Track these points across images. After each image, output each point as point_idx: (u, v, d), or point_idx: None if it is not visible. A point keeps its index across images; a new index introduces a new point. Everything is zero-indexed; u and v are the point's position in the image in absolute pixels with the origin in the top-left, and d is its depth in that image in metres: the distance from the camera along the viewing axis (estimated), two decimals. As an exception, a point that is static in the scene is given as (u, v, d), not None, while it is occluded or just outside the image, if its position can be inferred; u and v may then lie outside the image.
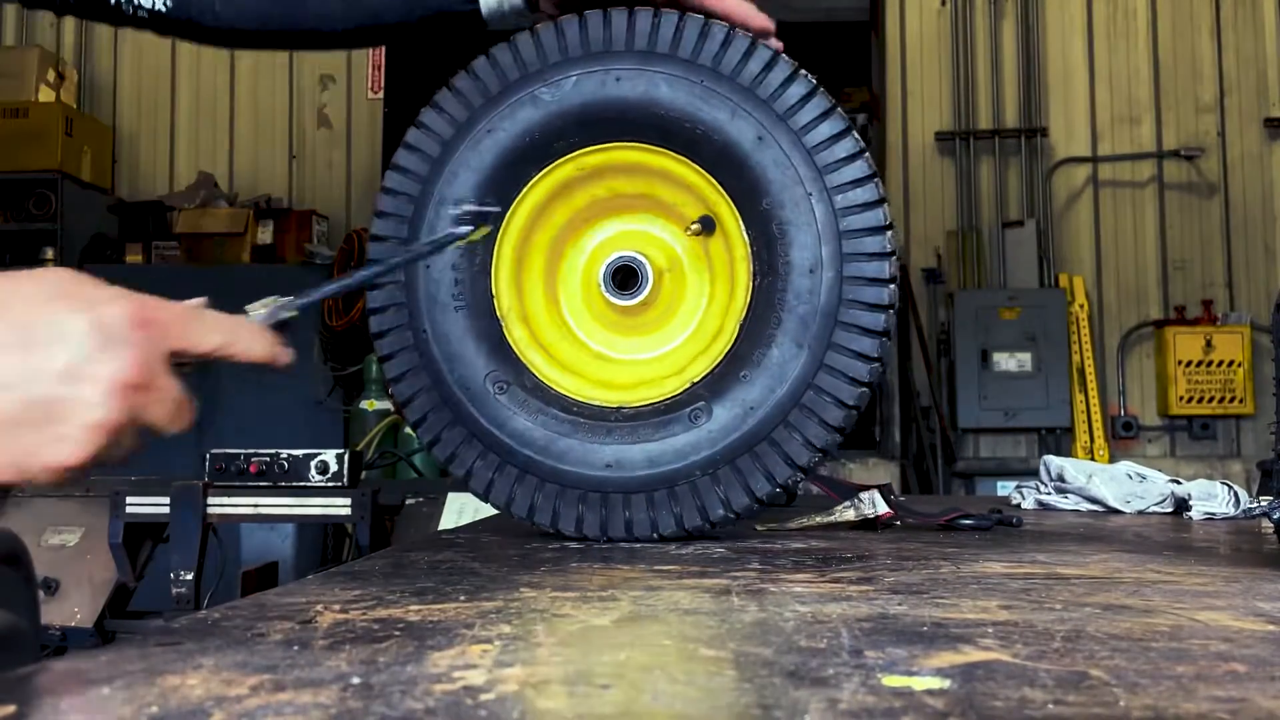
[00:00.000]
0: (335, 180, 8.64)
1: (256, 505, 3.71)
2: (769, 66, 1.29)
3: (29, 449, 0.75)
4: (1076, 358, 7.79)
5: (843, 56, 7.78)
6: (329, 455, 3.72)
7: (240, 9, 1.36)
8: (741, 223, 1.34)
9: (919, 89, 8.37)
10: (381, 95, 8.24)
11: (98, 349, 0.75)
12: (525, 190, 1.37)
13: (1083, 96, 8.24)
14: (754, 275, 1.34)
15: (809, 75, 1.30)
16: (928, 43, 8.39)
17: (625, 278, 1.40)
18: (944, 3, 8.38)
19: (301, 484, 3.73)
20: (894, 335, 1.32)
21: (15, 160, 7.36)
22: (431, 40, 1.42)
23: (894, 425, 7.40)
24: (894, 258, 1.30)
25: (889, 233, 1.29)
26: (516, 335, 1.38)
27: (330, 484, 3.72)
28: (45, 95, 7.78)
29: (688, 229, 1.33)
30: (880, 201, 1.29)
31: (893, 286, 1.29)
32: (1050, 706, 0.53)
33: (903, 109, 8.34)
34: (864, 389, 1.29)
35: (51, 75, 7.86)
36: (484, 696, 0.55)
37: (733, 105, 1.30)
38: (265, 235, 7.96)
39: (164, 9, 1.33)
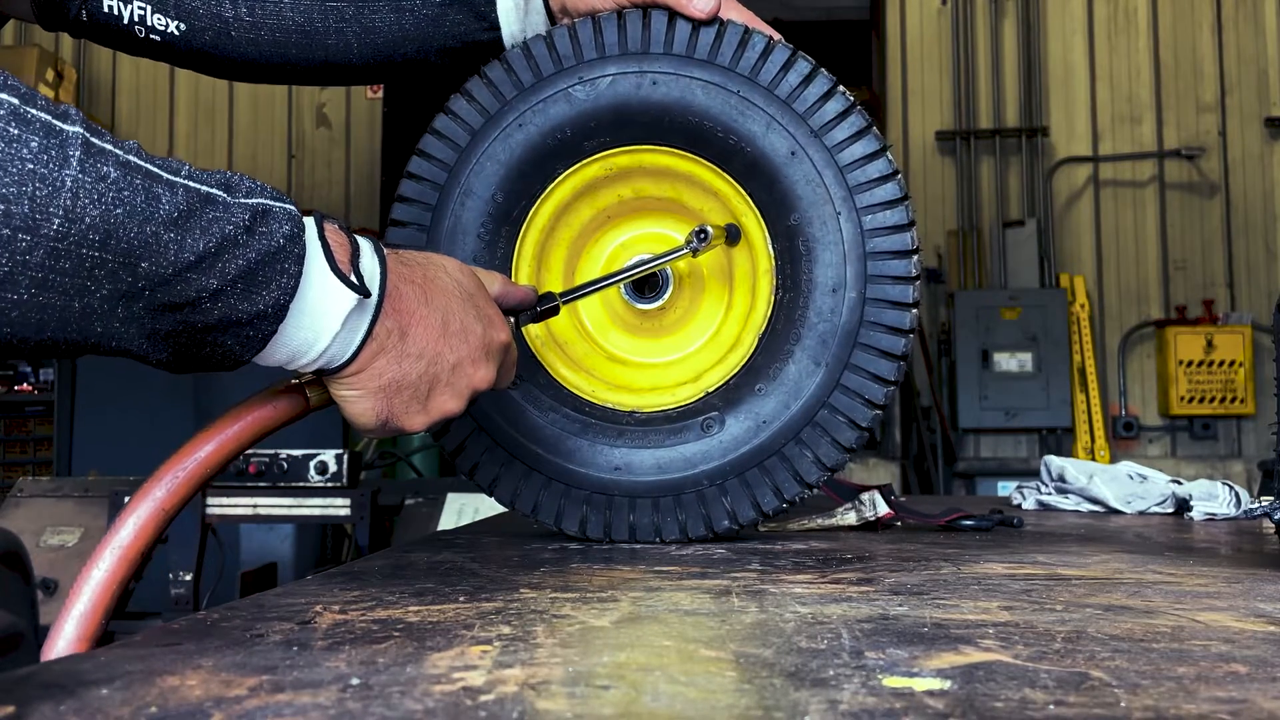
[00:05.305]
0: (334, 179, 8.65)
1: (255, 506, 3.71)
2: (807, 80, 1.28)
3: (398, 410, 0.93)
4: (1077, 358, 7.79)
5: (843, 56, 7.77)
6: (328, 455, 3.72)
7: (255, 41, 1.32)
8: (768, 236, 1.33)
9: (919, 88, 8.37)
10: (380, 95, 8.24)
11: (481, 358, 0.98)
12: (552, 186, 1.36)
13: (1083, 96, 8.24)
14: (776, 289, 1.33)
15: (846, 93, 1.29)
16: (928, 42, 8.39)
17: (645, 282, 1.40)
18: (944, 2, 8.39)
19: (301, 484, 3.73)
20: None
21: (15, 160, 7.35)
22: (449, 74, 1.39)
23: (894, 425, 7.40)
24: (919, 282, 1.29)
25: (915, 257, 1.28)
26: (533, 331, 1.37)
27: (329, 484, 3.72)
28: (44, 95, 7.77)
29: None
30: (909, 225, 1.28)
31: (915, 311, 1.28)
32: (1051, 707, 0.53)
33: (903, 108, 8.35)
34: (878, 411, 1.28)
35: (50, 75, 7.86)
36: (483, 697, 0.55)
37: (768, 118, 1.28)
38: (265, 235, 7.96)
39: (175, 34, 1.29)
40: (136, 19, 1.27)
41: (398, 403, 0.93)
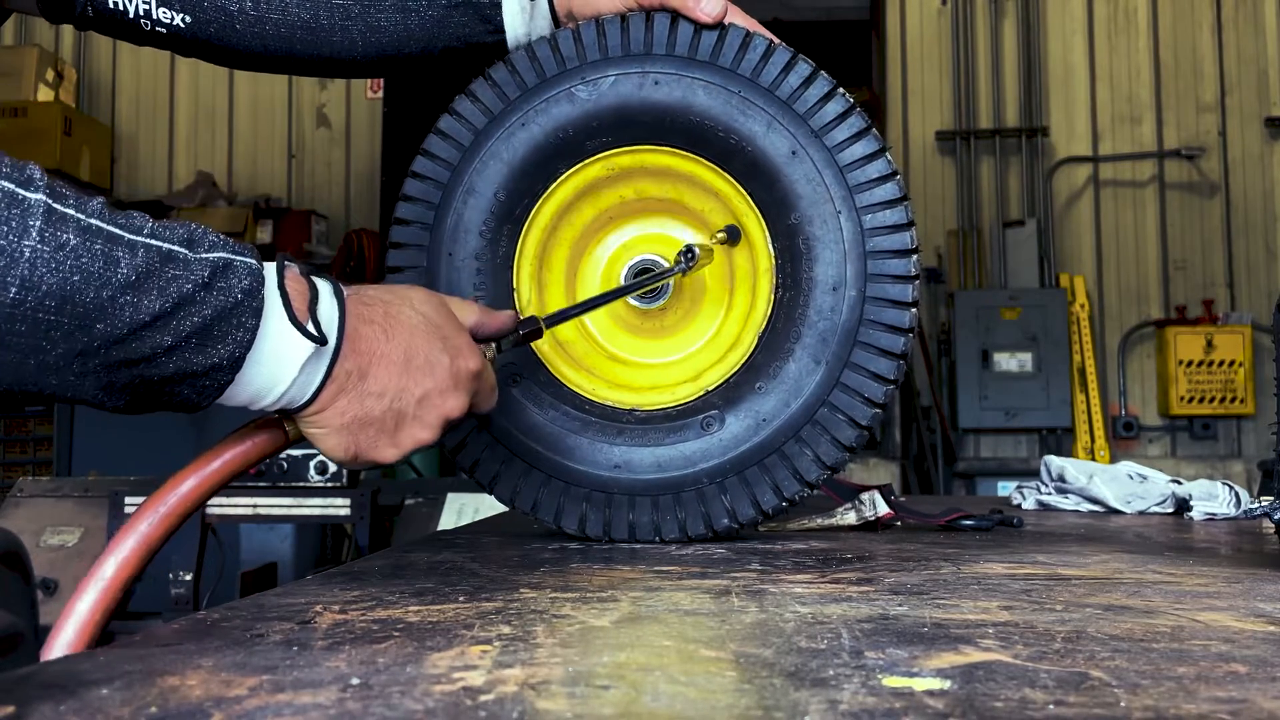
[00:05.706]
0: (334, 180, 8.64)
1: (255, 505, 3.71)
2: (807, 82, 1.29)
3: (366, 444, 0.95)
4: (1077, 358, 7.79)
5: (843, 56, 7.77)
6: (329, 455, 3.72)
7: (260, 35, 1.33)
8: (768, 235, 1.33)
9: (919, 88, 8.37)
10: (381, 95, 8.23)
11: (449, 388, 0.98)
12: (554, 186, 1.37)
13: (1083, 96, 8.24)
14: (776, 288, 1.33)
15: (846, 94, 1.30)
16: (928, 42, 8.39)
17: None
18: (944, 2, 8.38)
19: (300, 484, 3.73)
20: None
21: (15, 160, 7.35)
22: (452, 71, 1.40)
23: (894, 425, 7.40)
24: (918, 281, 1.30)
25: (915, 256, 1.29)
26: None
27: (329, 484, 3.72)
28: (44, 95, 7.77)
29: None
30: (909, 225, 1.28)
31: (914, 310, 1.29)
32: (1051, 707, 0.53)
33: (903, 108, 8.35)
34: (878, 409, 1.29)
35: (50, 75, 7.86)
36: (483, 697, 0.55)
37: (769, 118, 1.29)
38: (264, 235, 7.97)
39: (181, 26, 1.30)
40: (142, 12, 1.28)
41: (364, 438, 0.95)
